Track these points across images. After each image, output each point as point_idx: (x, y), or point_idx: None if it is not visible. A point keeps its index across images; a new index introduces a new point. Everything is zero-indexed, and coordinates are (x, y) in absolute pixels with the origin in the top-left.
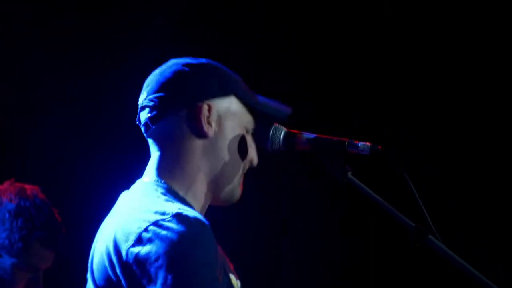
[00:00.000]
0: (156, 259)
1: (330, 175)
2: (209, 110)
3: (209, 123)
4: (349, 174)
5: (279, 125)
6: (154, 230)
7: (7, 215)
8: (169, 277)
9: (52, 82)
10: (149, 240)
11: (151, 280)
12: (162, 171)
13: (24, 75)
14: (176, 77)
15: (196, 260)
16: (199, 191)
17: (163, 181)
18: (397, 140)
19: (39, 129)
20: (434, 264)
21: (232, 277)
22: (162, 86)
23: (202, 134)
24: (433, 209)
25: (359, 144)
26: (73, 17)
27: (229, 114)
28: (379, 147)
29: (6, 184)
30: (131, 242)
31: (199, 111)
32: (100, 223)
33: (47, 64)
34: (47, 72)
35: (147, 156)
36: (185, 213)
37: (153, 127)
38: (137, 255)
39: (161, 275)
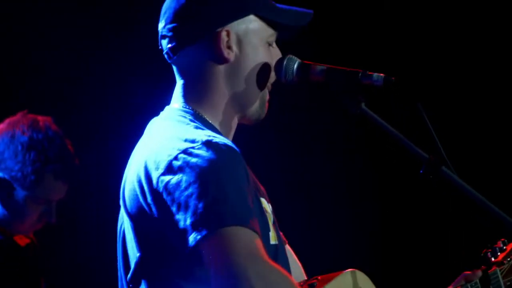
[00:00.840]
0: (187, 187)
1: (344, 106)
2: (228, 35)
3: (229, 47)
4: (363, 105)
5: (293, 56)
6: (184, 158)
7: (19, 147)
8: (200, 205)
9: None
10: (180, 169)
11: (182, 208)
12: (189, 98)
13: None
14: (190, 4)
15: (226, 185)
16: (226, 115)
17: (190, 108)
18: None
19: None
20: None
21: (263, 200)
22: (178, 15)
23: (223, 60)
24: (447, 141)
25: (373, 75)
26: None
27: (248, 34)
28: (393, 78)
29: (18, 116)
30: (161, 170)
31: (218, 38)
32: (112, 154)
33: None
34: None
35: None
36: (215, 140)
37: (174, 57)
38: (167, 183)
39: (192, 203)
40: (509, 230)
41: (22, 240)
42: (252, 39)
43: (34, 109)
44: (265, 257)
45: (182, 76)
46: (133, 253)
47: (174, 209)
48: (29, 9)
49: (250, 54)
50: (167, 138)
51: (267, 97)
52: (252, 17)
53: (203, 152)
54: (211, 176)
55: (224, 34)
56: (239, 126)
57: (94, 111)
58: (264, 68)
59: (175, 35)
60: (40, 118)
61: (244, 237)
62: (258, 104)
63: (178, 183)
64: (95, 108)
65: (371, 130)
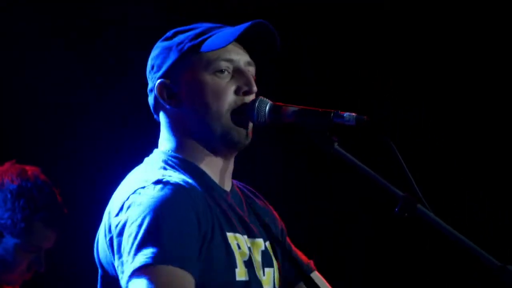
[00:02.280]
0: (130, 226)
1: (317, 146)
2: (162, 87)
3: (169, 97)
4: (336, 145)
5: (264, 98)
6: (133, 198)
7: (9, 195)
8: (135, 244)
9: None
10: (128, 208)
11: (125, 247)
12: (164, 143)
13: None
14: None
15: (162, 224)
16: (198, 149)
17: (172, 150)
18: (383, 111)
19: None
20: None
21: (236, 236)
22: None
23: (170, 108)
24: (421, 178)
25: (345, 115)
26: None
27: (182, 77)
28: (365, 117)
29: (6, 165)
30: (115, 213)
31: (156, 91)
32: (99, 202)
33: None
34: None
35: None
36: (165, 179)
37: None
38: (117, 224)
39: (130, 242)
40: (487, 267)
41: None
42: (191, 77)
43: (21, 158)
44: None
45: (161, 123)
46: None
47: (120, 249)
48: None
49: (193, 93)
50: (131, 182)
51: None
52: (186, 55)
53: (149, 191)
54: (149, 215)
55: (160, 86)
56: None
57: (82, 159)
58: (213, 97)
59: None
60: (28, 167)
61: (168, 277)
62: (220, 131)
63: (124, 223)
64: (83, 155)
65: (345, 169)
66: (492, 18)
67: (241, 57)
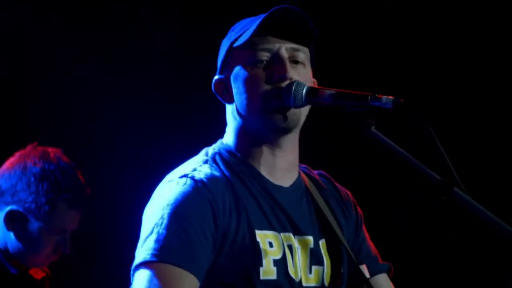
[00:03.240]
0: (145, 219)
1: (354, 129)
2: (217, 83)
3: (223, 93)
4: (373, 128)
5: (301, 81)
6: (157, 191)
7: (32, 178)
8: (142, 238)
9: None
10: (151, 199)
11: (141, 235)
12: (226, 134)
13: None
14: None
15: (171, 221)
16: (251, 143)
17: (227, 143)
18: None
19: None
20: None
21: (267, 233)
22: None
23: (226, 104)
24: (458, 162)
25: (382, 98)
26: None
27: (230, 72)
28: (402, 100)
29: (28, 148)
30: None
31: (213, 88)
32: (119, 182)
33: None
34: None
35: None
36: (190, 174)
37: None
38: (143, 214)
39: (142, 234)
40: None
41: (37, 274)
42: (235, 71)
43: (43, 141)
44: None
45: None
46: None
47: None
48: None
49: (237, 84)
50: (171, 172)
51: (272, 106)
52: (231, 52)
53: (171, 185)
54: (161, 211)
55: (214, 83)
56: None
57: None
58: (250, 87)
59: None
60: (50, 149)
61: (164, 275)
62: (263, 120)
63: (144, 214)
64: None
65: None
66: (492, 17)
67: (281, 45)
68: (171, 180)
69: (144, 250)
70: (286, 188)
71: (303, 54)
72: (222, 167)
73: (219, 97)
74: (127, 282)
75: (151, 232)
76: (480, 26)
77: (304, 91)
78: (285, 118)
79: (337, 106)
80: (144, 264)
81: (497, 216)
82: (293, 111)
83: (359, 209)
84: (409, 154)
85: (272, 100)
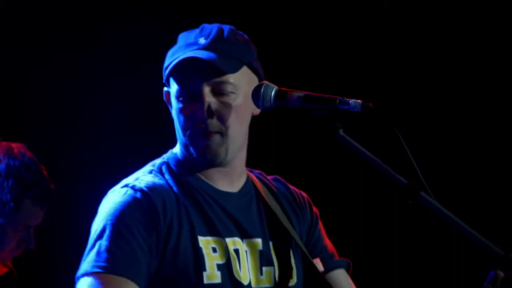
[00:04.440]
0: (92, 227)
1: (322, 132)
2: (166, 94)
3: (170, 105)
4: (341, 131)
5: (270, 83)
6: (103, 201)
7: None
8: (88, 247)
9: None
10: (97, 210)
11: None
12: (177, 143)
13: None
14: None
15: (112, 232)
16: (183, 159)
17: (176, 153)
18: (388, 98)
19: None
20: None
21: (209, 239)
22: None
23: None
24: (425, 166)
25: (350, 101)
26: None
27: (169, 94)
28: (370, 104)
29: None
30: None
31: (164, 97)
32: (84, 176)
33: None
34: None
35: None
36: (131, 184)
37: None
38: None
39: (88, 244)
40: (489, 255)
41: (0, 270)
42: (171, 93)
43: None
44: None
45: None
46: None
47: None
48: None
49: (172, 107)
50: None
51: (198, 134)
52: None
53: (113, 196)
54: (102, 222)
55: (165, 94)
56: None
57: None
58: (177, 117)
59: None
60: (14, 145)
61: (105, 284)
62: (189, 150)
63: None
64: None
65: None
66: (493, 15)
67: (201, 82)
68: (113, 191)
69: (87, 262)
70: (234, 193)
71: (231, 84)
72: (167, 176)
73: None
74: None
75: (93, 244)
76: (451, 32)
77: (272, 93)
78: (207, 151)
79: (305, 109)
80: (86, 275)
81: (463, 219)
82: (213, 143)
83: (314, 209)
84: (377, 158)
85: (197, 140)
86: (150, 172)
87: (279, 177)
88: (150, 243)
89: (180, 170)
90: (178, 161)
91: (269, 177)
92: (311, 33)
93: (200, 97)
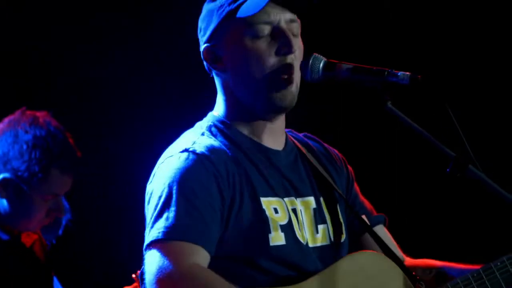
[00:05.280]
0: (150, 198)
1: (370, 104)
2: (207, 51)
3: (214, 62)
4: (389, 103)
5: (319, 55)
6: (158, 167)
7: (24, 146)
8: (151, 217)
9: None
10: (153, 177)
11: (147, 215)
12: (217, 106)
13: None
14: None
15: (178, 197)
16: (244, 113)
17: (223, 115)
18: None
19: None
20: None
21: (272, 200)
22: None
23: (221, 72)
24: (473, 140)
25: (399, 74)
26: None
27: (225, 41)
28: (419, 77)
29: (17, 114)
30: (149, 179)
31: (203, 55)
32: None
33: None
34: None
35: None
36: (191, 148)
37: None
38: (147, 192)
39: (148, 214)
40: None
41: (29, 237)
42: (232, 43)
43: (32, 105)
44: (191, 270)
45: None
46: None
47: (147, 217)
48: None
49: (236, 58)
50: (169, 148)
51: (280, 82)
52: (223, 23)
53: (173, 161)
54: (167, 187)
55: (204, 53)
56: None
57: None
58: (253, 61)
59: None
60: (39, 114)
61: (177, 251)
62: (264, 96)
63: (149, 192)
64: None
65: (397, 128)
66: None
67: (280, 16)
68: (171, 156)
69: (155, 229)
70: (281, 151)
71: (297, 26)
72: (219, 138)
73: (208, 66)
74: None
75: (160, 211)
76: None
77: (321, 65)
78: (286, 98)
79: (353, 81)
80: (155, 243)
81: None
82: (291, 92)
83: (349, 167)
84: (425, 131)
85: (280, 84)
86: (203, 135)
87: (309, 134)
88: (217, 208)
89: (228, 131)
90: (224, 122)
91: (300, 134)
92: (356, 5)
93: (284, 33)
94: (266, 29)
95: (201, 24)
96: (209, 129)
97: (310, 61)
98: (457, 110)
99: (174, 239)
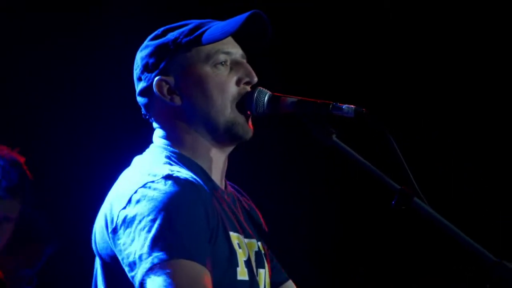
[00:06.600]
0: (141, 220)
1: (315, 138)
2: (160, 83)
3: (168, 93)
4: (334, 137)
5: (263, 89)
6: (142, 192)
7: None
8: (149, 238)
9: None
10: (137, 202)
11: (135, 241)
12: (168, 138)
13: None
14: (135, 62)
15: (177, 219)
16: (198, 144)
17: (170, 145)
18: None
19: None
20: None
21: (236, 235)
22: (134, 76)
23: (170, 104)
24: (418, 171)
25: (344, 107)
26: None
27: (184, 70)
28: (364, 110)
29: None
30: (123, 205)
31: (155, 88)
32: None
33: None
34: None
35: None
36: (175, 174)
37: (146, 114)
38: (125, 217)
39: (143, 236)
40: (483, 261)
41: None
42: (189, 73)
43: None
44: None
45: (156, 121)
46: None
47: (129, 241)
48: None
49: (193, 88)
50: (137, 174)
51: (237, 114)
52: (180, 52)
53: (160, 186)
54: (164, 210)
55: (159, 83)
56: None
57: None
58: (212, 91)
59: (138, 95)
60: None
61: (188, 271)
62: (224, 124)
63: (134, 216)
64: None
65: (342, 161)
66: (493, 15)
67: (237, 50)
68: (155, 182)
69: (158, 250)
70: (224, 190)
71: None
72: (186, 168)
73: (161, 98)
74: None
75: (157, 233)
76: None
77: (266, 98)
78: (247, 128)
79: (298, 115)
80: (162, 263)
81: (456, 225)
82: (250, 122)
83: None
84: (370, 164)
85: (239, 106)
86: (170, 164)
87: (229, 182)
88: (207, 231)
89: (186, 163)
90: (179, 154)
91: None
92: (304, 39)
93: (244, 63)
94: (226, 59)
95: (146, 60)
96: (169, 158)
97: (255, 95)
98: (401, 143)
99: (183, 258)
